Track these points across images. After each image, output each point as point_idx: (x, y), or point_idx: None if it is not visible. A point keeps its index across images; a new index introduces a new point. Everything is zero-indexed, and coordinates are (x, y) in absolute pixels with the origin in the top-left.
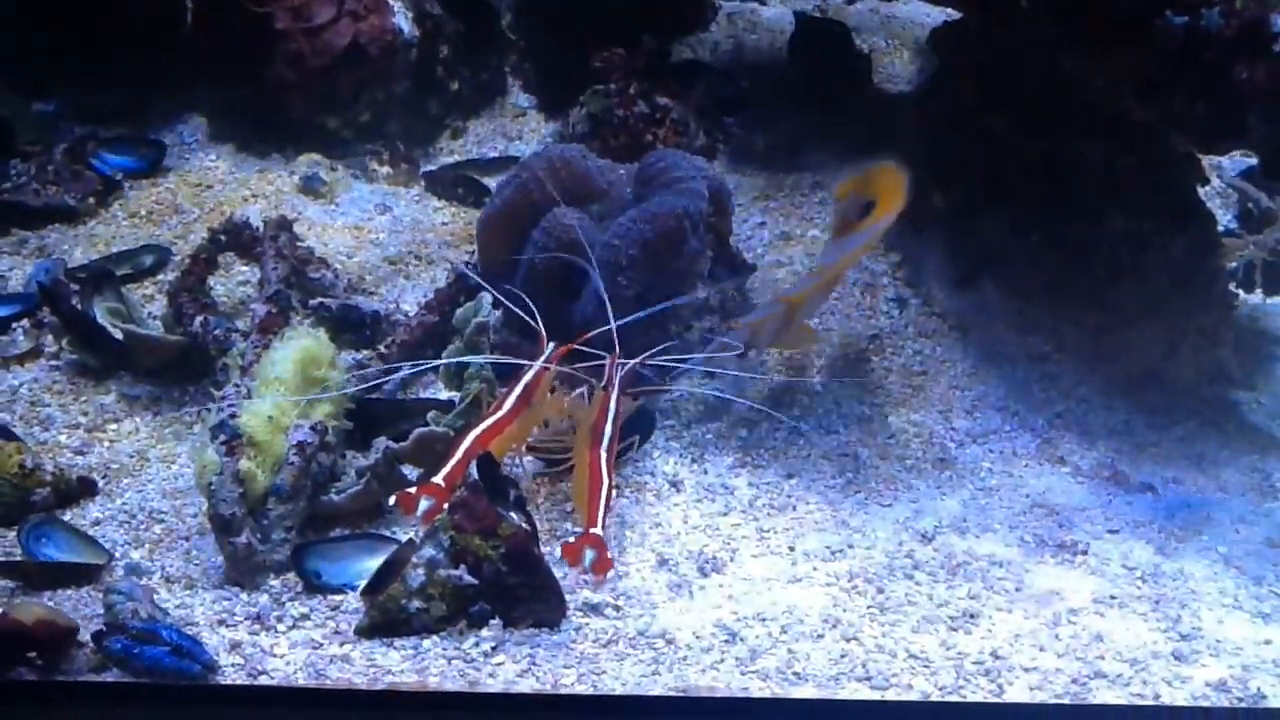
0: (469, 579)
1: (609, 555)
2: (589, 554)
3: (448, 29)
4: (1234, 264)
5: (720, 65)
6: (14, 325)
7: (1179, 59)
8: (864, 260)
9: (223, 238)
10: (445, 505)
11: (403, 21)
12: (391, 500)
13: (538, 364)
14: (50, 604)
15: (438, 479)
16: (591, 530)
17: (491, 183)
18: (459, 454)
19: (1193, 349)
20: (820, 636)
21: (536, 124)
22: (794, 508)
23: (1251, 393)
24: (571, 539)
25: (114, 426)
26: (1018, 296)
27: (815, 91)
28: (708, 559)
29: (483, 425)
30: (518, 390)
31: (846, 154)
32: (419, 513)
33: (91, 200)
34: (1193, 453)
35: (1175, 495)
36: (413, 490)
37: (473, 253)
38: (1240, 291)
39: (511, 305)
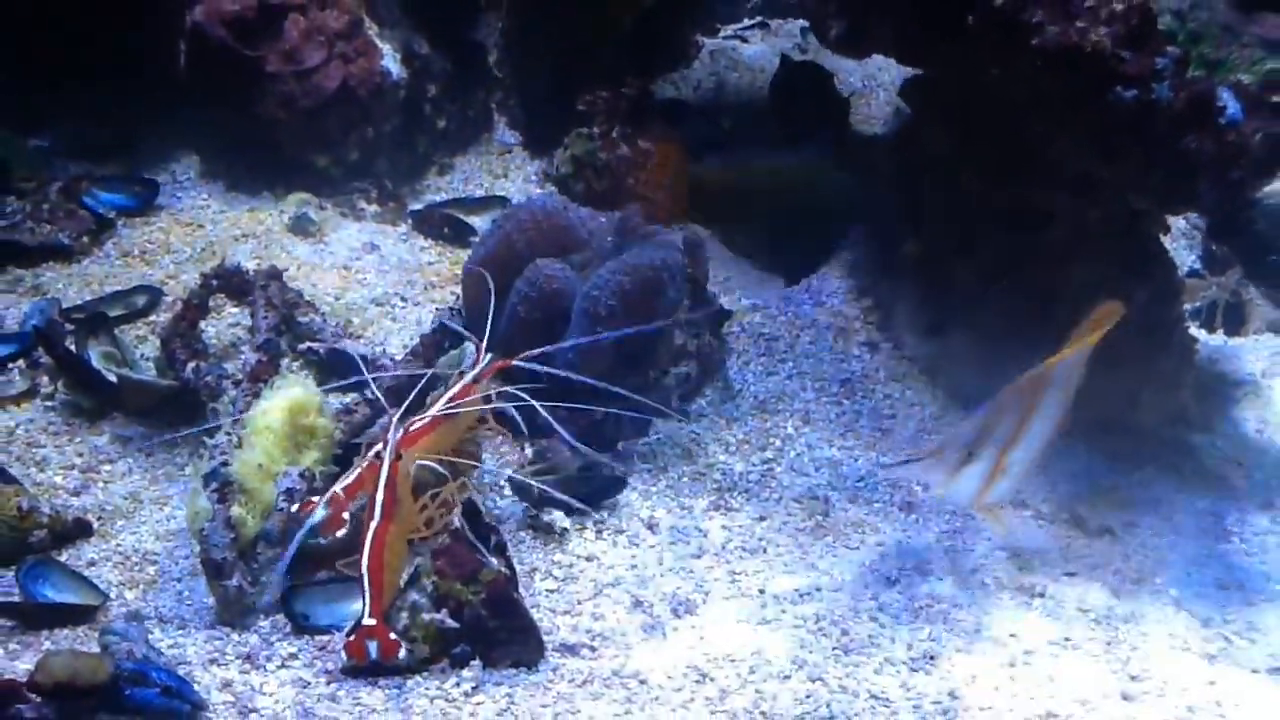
0: (450, 622)
1: (391, 637)
2: (371, 646)
3: (435, 67)
4: (1197, 304)
5: (702, 103)
6: (10, 365)
7: (1132, 129)
8: (836, 305)
9: (214, 283)
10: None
11: (391, 64)
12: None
13: (468, 377)
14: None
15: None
16: (365, 622)
17: (477, 221)
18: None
19: (1154, 394)
20: (787, 677)
21: (522, 161)
22: (765, 550)
23: (1209, 435)
24: (352, 636)
25: (108, 468)
26: (985, 342)
27: (794, 132)
28: (681, 601)
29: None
30: (444, 400)
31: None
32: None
33: (85, 239)
34: (1150, 496)
35: (1132, 539)
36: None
37: (457, 296)
38: (1203, 331)
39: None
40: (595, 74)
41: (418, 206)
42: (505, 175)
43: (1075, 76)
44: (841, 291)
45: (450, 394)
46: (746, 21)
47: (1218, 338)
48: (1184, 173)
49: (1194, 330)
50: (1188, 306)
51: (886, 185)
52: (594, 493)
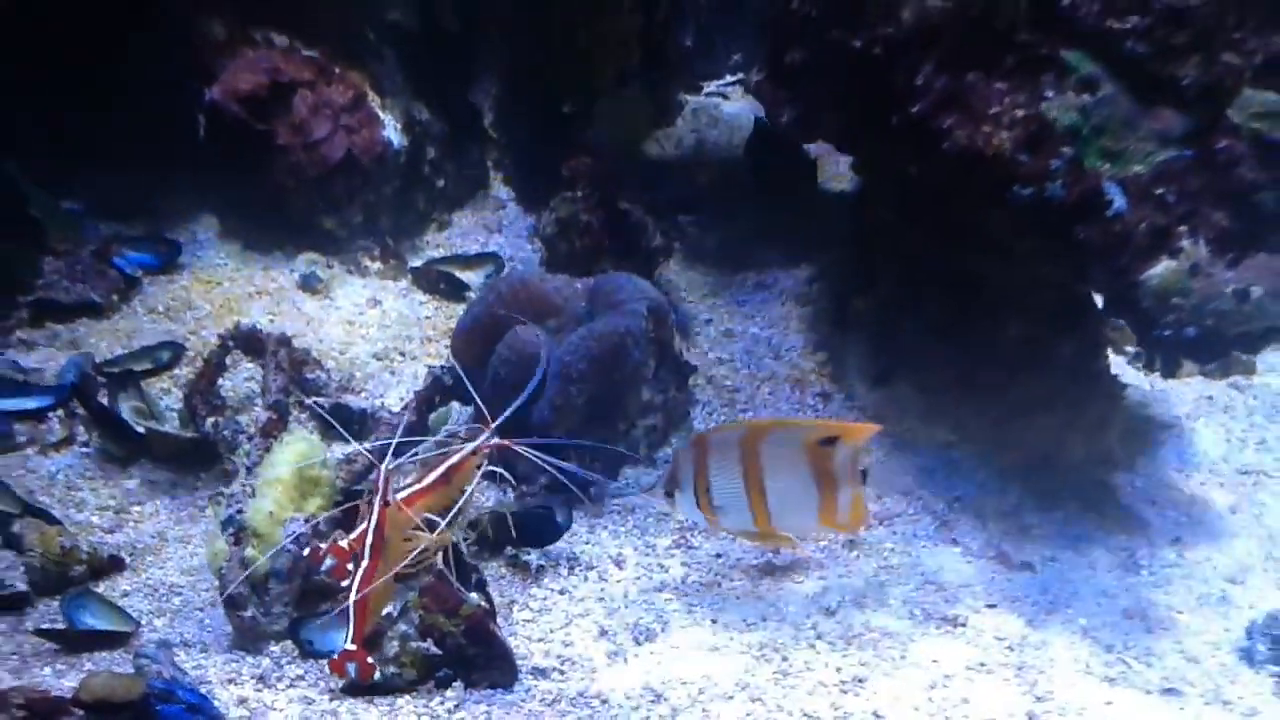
0: (435, 650)
1: (368, 661)
2: (350, 666)
3: (434, 131)
4: (1138, 349)
5: (684, 159)
6: (49, 415)
7: (1031, 221)
8: (794, 359)
9: (231, 343)
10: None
11: (392, 133)
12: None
13: (467, 449)
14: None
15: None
16: (347, 647)
17: (470, 277)
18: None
19: (1082, 437)
20: (731, 698)
21: (516, 216)
22: (719, 584)
23: (1131, 475)
24: (336, 655)
25: (138, 509)
26: (928, 392)
27: (766, 190)
28: (642, 630)
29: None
30: (441, 470)
31: (786, 254)
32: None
33: (115, 296)
34: (1070, 533)
35: (1050, 573)
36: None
37: (450, 353)
38: (1143, 373)
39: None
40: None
41: (417, 263)
42: (499, 230)
43: (981, 176)
44: (799, 346)
45: (451, 462)
46: (728, 79)
47: (1156, 380)
48: (1076, 258)
49: (1136, 372)
50: (1130, 349)
51: (843, 244)
52: (538, 536)
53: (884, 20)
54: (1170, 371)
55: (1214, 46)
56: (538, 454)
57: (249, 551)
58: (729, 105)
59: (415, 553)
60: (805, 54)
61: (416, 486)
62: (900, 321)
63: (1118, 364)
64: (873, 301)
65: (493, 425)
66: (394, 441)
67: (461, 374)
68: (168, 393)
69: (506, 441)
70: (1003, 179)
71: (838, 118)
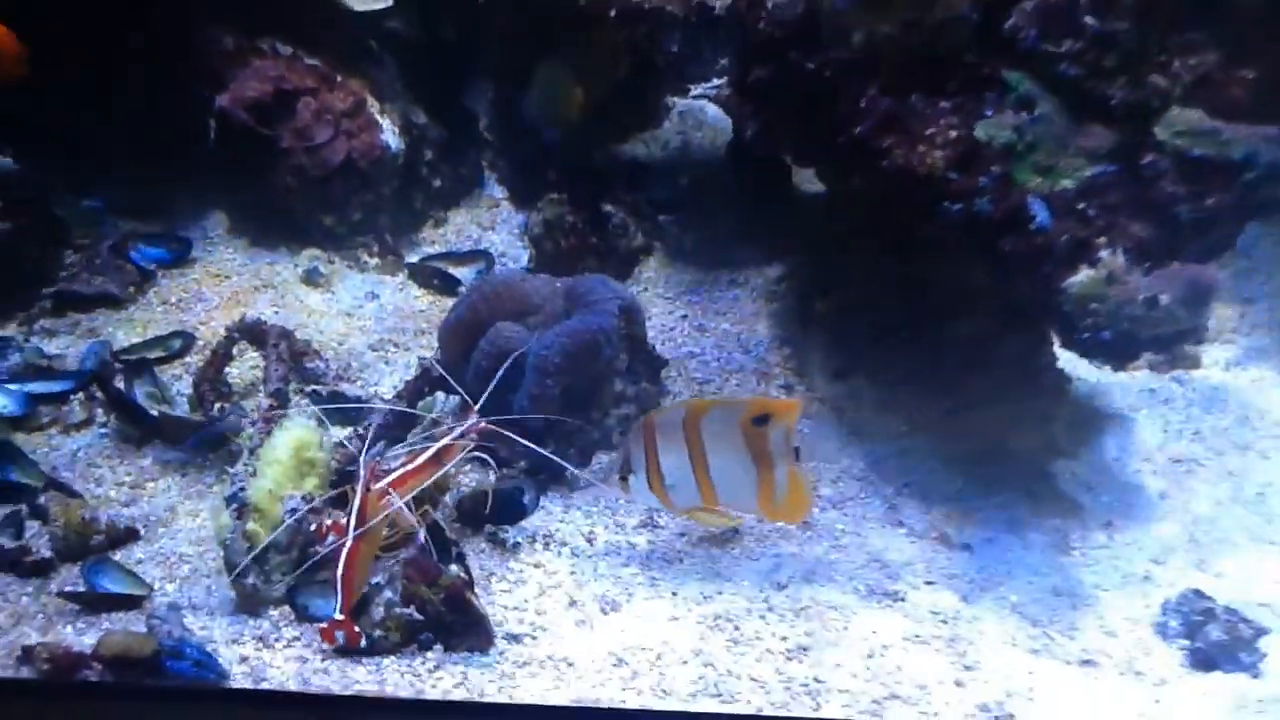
0: (417, 616)
1: (355, 629)
2: (339, 634)
3: (431, 134)
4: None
5: (669, 161)
6: (70, 398)
7: (962, 235)
8: (761, 353)
9: (237, 335)
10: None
11: (390, 137)
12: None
13: (455, 433)
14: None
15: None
16: (335, 616)
17: (463, 272)
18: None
19: (1027, 427)
20: (686, 663)
21: (508, 214)
22: (681, 561)
23: (1072, 462)
24: (325, 624)
25: (151, 485)
26: (882, 386)
27: (744, 192)
28: (608, 601)
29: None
30: (430, 453)
31: (760, 254)
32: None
33: (131, 289)
34: (1009, 516)
35: (987, 553)
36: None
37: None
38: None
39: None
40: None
41: (413, 259)
42: (493, 228)
43: (916, 192)
44: (766, 341)
45: (439, 445)
46: (714, 82)
47: (1107, 372)
48: (1003, 269)
49: (1090, 365)
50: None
51: (808, 248)
52: (507, 514)
53: (836, 44)
54: (1120, 365)
55: (1141, 69)
56: (517, 437)
57: (250, 525)
58: (713, 108)
59: (398, 532)
60: (768, 72)
61: (407, 468)
62: (858, 321)
63: (1073, 357)
64: (833, 302)
65: (474, 408)
66: (376, 426)
67: (445, 366)
68: (179, 379)
69: (488, 424)
70: (936, 195)
71: (796, 133)
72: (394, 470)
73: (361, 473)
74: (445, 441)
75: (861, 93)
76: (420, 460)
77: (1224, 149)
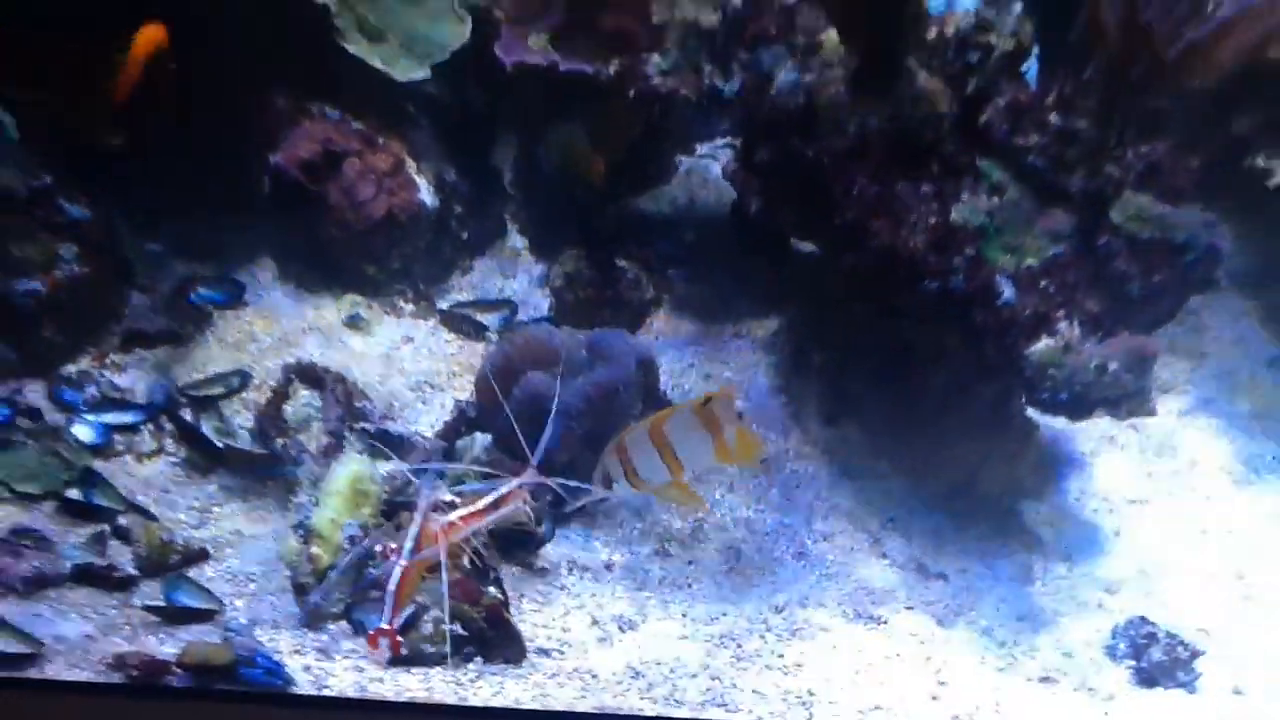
0: (461, 631)
1: (397, 639)
2: (383, 642)
3: (460, 190)
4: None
5: (676, 217)
6: (141, 428)
7: (937, 306)
8: (761, 400)
9: (294, 376)
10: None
11: (426, 195)
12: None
13: (514, 482)
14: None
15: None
16: (382, 625)
17: (489, 319)
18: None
19: (996, 469)
20: (695, 676)
21: (529, 263)
22: (690, 586)
23: (1036, 502)
24: (371, 631)
25: (217, 509)
26: (869, 431)
27: (745, 249)
28: (626, 621)
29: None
30: (490, 499)
31: (759, 307)
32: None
33: (191, 328)
34: (980, 550)
35: (960, 582)
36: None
37: (473, 390)
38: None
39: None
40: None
41: (444, 305)
42: (514, 276)
43: (900, 269)
44: (765, 389)
45: (499, 493)
46: (718, 142)
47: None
48: (973, 337)
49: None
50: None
51: (803, 304)
52: (524, 543)
53: (832, 134)
54: (1075, 421)
55: (1098, 160)
56: (564, 483)
57: (314, 549)
58: (717, 166)
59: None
60: (770, 154)
61: (467, 510)
62: (847, 372)
63: None
64: (825, 355)
65: (533, 463)
66: (437, 467)
67: (480, 409)
68: (238, 413)
69: (544, 479)
70: (917, 273)
71: (795, 210)
72: (456, 509)
73: (422, 503)
74: (505, 490)
75: (854, 179)
76: (481, 504)
77: (1169, 232)
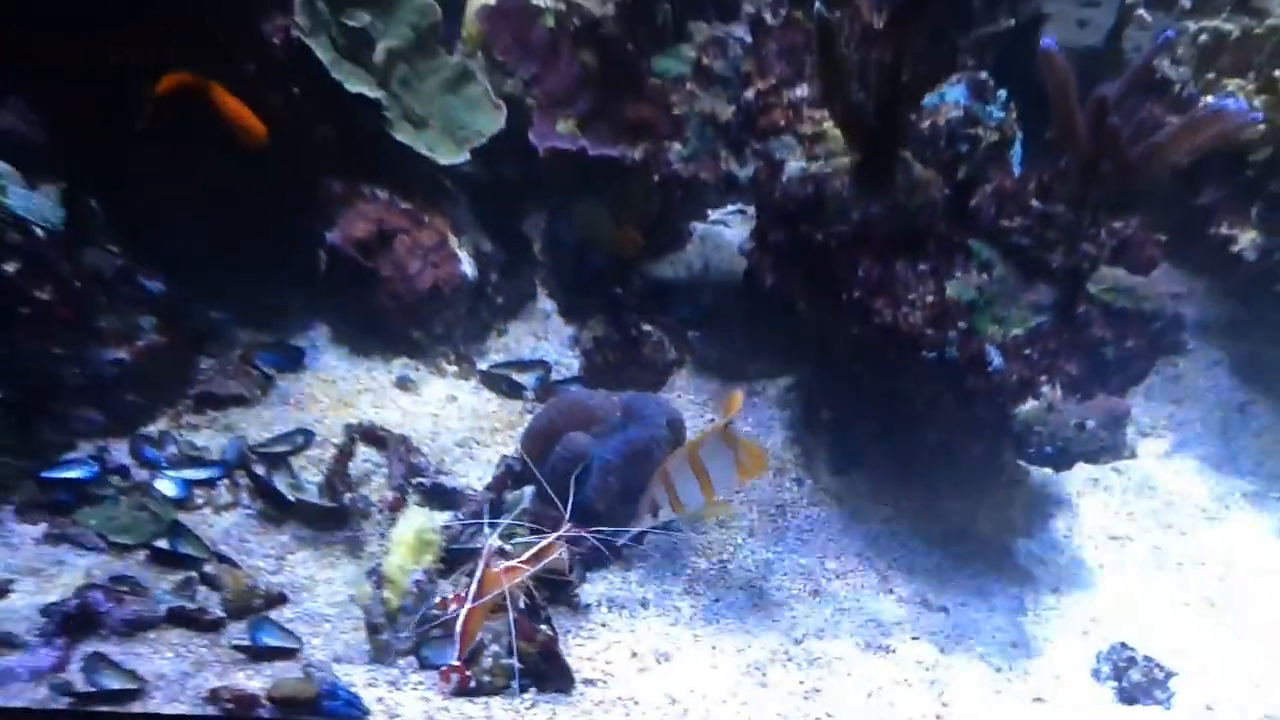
0: (518, 665)
1: (466, 674)
2: (454, 677)
3: (496, 258)
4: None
5: (692, 282)
6: (216, 484)
7: (934, 374)
8: (777, 451)
9: (357, 435)
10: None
11: (467, 267)
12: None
13: (554, 537)
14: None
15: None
16: (452, 662)
17: (526, 378)
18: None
19: (990, 513)
20: (724, 701)
21: (558, 326)
22: (717, 621)
23: (1028, 541)
24: (444, 667)
25: (291, 557)
26: (874, 479)
27: (758, 313)
28: (662, 653)
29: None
30: (537, 548)
31: (773, 367)
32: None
33: (257, 390)
34: (977, 585)
35: (960, 614)
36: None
37: (517, 447)
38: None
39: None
40: (614, 260)
41: (483, 366)
42: (545, 338)
43: (900, 341)
44: (780, 442)
45: (542, 544)
46: (729, 208)
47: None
48: (967, 400)
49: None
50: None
51: (813, 364)
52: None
53: (838, 219)
54: (1059, 472)
55: (1076, 239)
56: (601, 534)
57: (386, 593)
58: (729, 232)
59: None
60: (783, 236)
61: (522, 558)
62: (853, 427)
63: None
64: (833, 411)
65: (566, 518)
66: (499, 522)
67: (525, 465)
68: (305, 469)
69: (582, 531)
70: (915, 345)
71: (806, 288)
72: (511, 558)
73: (485, 553)
74: (548, 541)
75: (857, 262)
76: (530, 553)
77: (1139, 303)
